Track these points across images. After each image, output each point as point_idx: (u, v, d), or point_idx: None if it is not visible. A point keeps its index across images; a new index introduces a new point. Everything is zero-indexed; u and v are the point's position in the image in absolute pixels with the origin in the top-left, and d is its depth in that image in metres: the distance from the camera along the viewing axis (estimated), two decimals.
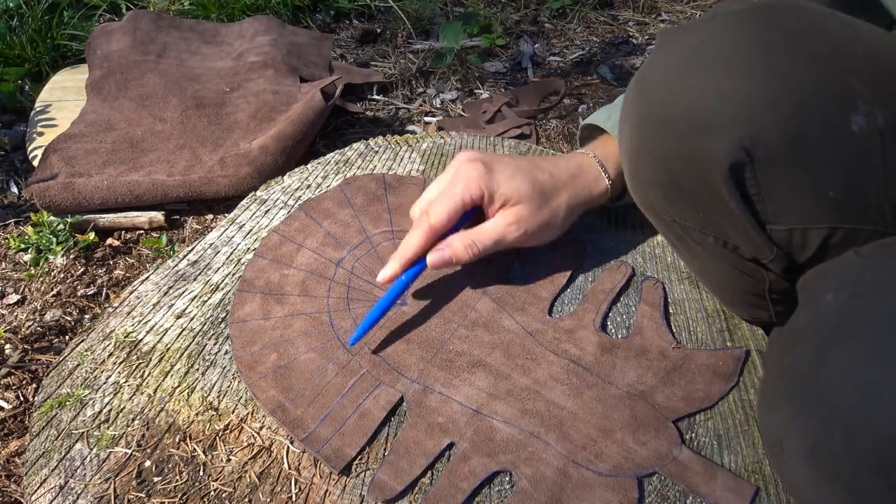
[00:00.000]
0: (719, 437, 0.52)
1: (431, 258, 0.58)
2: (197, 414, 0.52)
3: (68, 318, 0.82)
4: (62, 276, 0.88)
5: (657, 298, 0.62)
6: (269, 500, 0.47)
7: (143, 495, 0.47)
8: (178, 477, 0.48)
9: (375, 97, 1.32)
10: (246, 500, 0.47)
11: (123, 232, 0.96)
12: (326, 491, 0.48)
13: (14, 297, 0.85)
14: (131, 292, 0.63)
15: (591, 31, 1.62)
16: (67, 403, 0.53)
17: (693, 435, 0.52)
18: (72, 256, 0.90)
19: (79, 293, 0.86)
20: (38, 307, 0.83)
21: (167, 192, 0.95)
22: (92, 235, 0.92)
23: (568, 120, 1.27)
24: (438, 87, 1.36)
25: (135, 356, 0.57)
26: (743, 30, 0.46)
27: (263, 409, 0.52)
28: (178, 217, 0.99)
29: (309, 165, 0.80)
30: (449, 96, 1.34)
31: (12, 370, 0.74)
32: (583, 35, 1.60)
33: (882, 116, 0.45)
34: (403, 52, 1.48)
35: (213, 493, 0.48)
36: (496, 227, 0.58)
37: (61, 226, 0.91)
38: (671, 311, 0.62)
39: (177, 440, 0.51)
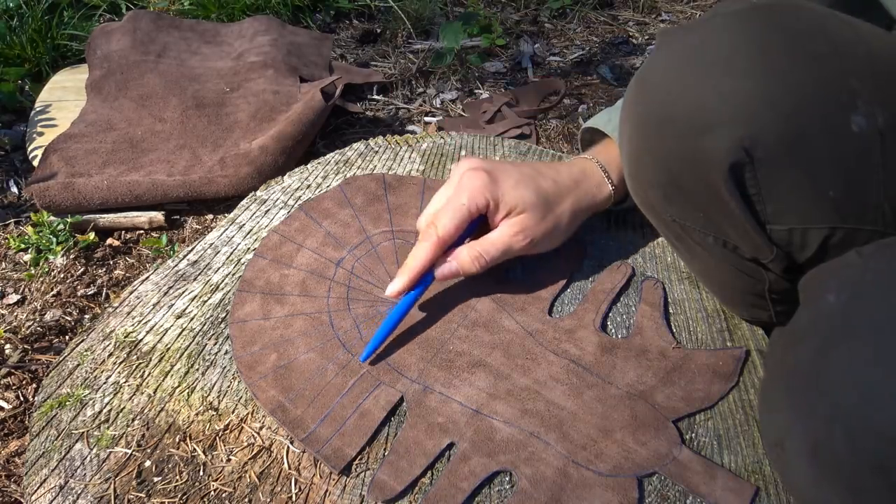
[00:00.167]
0: (719, 437, 0.52)
1: (440, 271, 0.57)
2: (197, 414, 0.52)
3: (68, 318, 0.82)
4: (62, 276, 0.88)
5: (657, 298, 0.62)
6: (269, 500, 0.47)
7: (143, 495, 0.47)
8: (178, 477, 0.48)
9: (375, 97, 1.32)
10: (246, 500, 0.47)
11: (123, 232, 0.96)
12: (326, 491, 0.48)
13: (14, 297, 0.85)
14: (131, 292, 0.63)
15: (591, 31, 1.62)
16: (67, 403, 0.53)
17: (693, 435, 0.52)
18: (72, 256, 0.90)
19: (79, 293, 0.86)
20: (38, 307, 0.83)
21: (167, 192, 0.95)
22: (92, 235, 0.92)
23: (568, 120, 1.27)
24: (438, 87, 1.36)
25: (135, 356, 0.57)
26: (743, 30, 0.46)
27: (263, 409, 0.52)
28: (178, 217, 0.99)
29: (309, 165, 0.80)
30: (449, 96, 1.34)
31: (12, 370, 0.74)
32: (583, 35, 1.60)
33: (882, 116, 0.45)
34: (403, 52, 1.48)
35: (213, 493, 0.48)
36: (502, 238, 0.58)
37: (61, 226, 0.91)
38: (671, 311, 0.62)
39: (177, 440, 0.51)
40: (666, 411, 0.53)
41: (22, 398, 0.72)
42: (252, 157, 0.98)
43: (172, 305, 0.62)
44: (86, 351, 0.58)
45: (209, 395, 0.54)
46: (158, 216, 0.95)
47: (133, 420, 0.52)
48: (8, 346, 0.77)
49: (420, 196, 0.73)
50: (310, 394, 0.53)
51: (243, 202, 0.75)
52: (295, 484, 0.48)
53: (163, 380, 0.55)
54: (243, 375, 0.54)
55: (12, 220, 0.98)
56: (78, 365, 0.56)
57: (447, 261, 0.58)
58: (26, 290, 0.86)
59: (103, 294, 0.86)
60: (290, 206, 0.73)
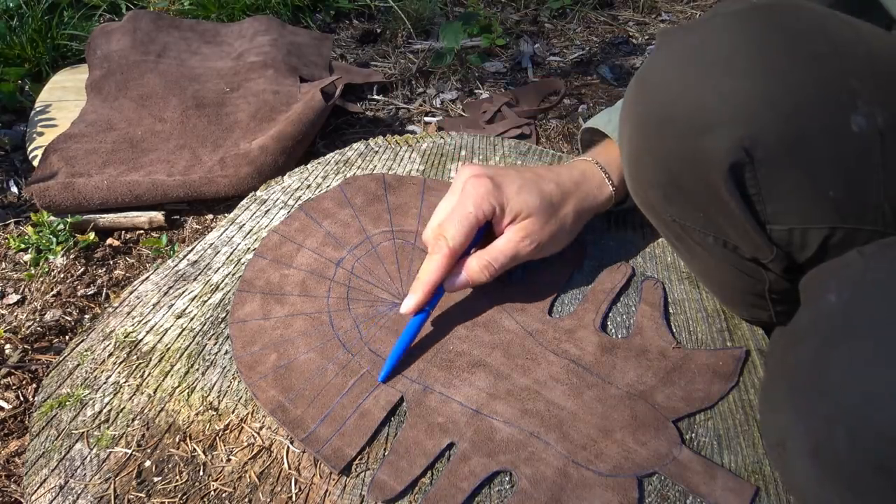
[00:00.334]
0: (719, 437, 0.52)
1: (450, 283, 0.57)
2: (197, 414, 0.52)
3: (68, 318, 0.82)
4: (62, 276, 0.88)
5: (657, 298, 0.62)
6: (269, 500, 0.47)
7: (143, 495, 0.47)
8: (178, 477, 0.48)
9: (375, 97, 1.32)
10: (246, 500, 0.47)
11: (123, 232, 0.96)
12: (326, 491, 0.48)
13: (14, 297, 0.85)
14: (131, 292, 0.63)
15: (591, 31, 1.62)
16: (67, 403, 0.53)
17: (693, 435, 0.52)
18: (72, 256, 0.90)
19: (79, 293, 0.86)
20: (38, 307, 0.83)
21: (167, 192, 0.95)
22: (92, 235, 0.92)
23: (568, 120, 1.27)
24: (438, 87, 1.36)
25: (135, 356, 0.57)
26: (743, 30, 0.46)
27: (263, 409, 0.52)
28: (178, 217, 0.99)
29: (309, 165, 0.80)
30: (449, 96, 1.34)
31: (12, 370, 0.74)
32: (583, 35, 1.60)
33: (882, 116, 0.45)
34: (403, 52, 1.48)
35: (213, 493, 0.48)
36: (509, 244, 0.58)
37: (61, 226, 0.91)
38: (671, 311, 0.62)
39: (177, 440, 0.51)
40: (666, 411, 0.53)
41: (22, 398, 0.72)
42: (252, 157, 0.98)
43: (172, 305, 0.61)
44: (86, 351, 0.58)
45: (209, 395, 0.54)
46: (158, 216, 0.95)
47: (133, 420, 0.52)
48: (8, 346, 0.77)
49: (420, 196, 0.73)
50: (310, 394, 0.53)
51: (243, 202, 0.75)
52: (295, 484, 0.48)
53: (163, 380, 0.55)
54: (243, 375, 0.54)
55: (12, 220, 0.98)
56: (78, 365, 0.56)
57: (456, 272, 0.57)
58: (26, 290, 0.86)
59: (103, 294, 0.86)
60: (290, 206, 0.73)
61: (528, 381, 0.55)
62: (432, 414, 0.52)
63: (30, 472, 0.49)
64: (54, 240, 0.90)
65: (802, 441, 0.39)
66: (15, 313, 0.83)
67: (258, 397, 0.53)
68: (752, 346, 0.59)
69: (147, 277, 0.65)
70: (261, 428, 0.51)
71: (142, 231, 0.96)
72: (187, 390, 0.54)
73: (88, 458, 0.49)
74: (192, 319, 0.60)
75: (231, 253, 0.67)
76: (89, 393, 0.54)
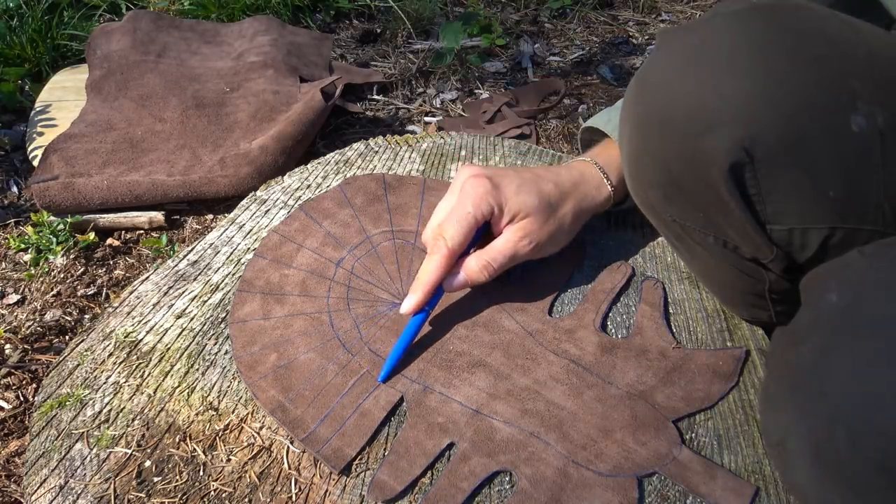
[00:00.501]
0: (719, 437, 0.52)
1: (450, 283, 0.57)
2: (197, 414, 0.52)
3: (68, 318, 0.82)
4: (62, 276, 0.88)
5: (657, 298, 0.62)
6: (269, 500, 0.47)
7: (143, 495, 0.47)
8: (178, 477, 0.48)
9: (375, 97, 1.32)
10: (246, 500, 0.47)
11: (123, 232, 0.96)
12: (326, 491, 0.48)
13: (14, 297, 0.85)
14: (131, 292, 0.63)
15: (591, 31, 1.62)
16: (67, 403, 0.53)
17: (693, 435, 0.52)
18: (72, 256, 0.90)
19: (79, 293, 0.86)
20: (38, 307, 0.83)
21: (167, 192, 0.95)
22: (92, 235, 0.92)
23: (568, 120, 1.27)
24: (438, 87, 1.36)
25: (135, 356, 0.57)
26: (743, 30, 0.46)
27: (263, 409, 0.52)
28: (178, 217, 0.99)
29: (309, 165, 0.80)
30: (449, 96, 1.34)
31: (12, 370, 0.74)
32: (583, 35, 1.60)
33: (882, 116, 0.45)
34: (403, 52, 1.48)
35: (213, 493, 0.47)
36: (508, 244, 0.58)
37: (61, 226, 0.91)
38: (671, 311, 0.62)
39: (177, 440, 0.51)
40: (666, 411, 0.53)
41: (22, 398, 0.72)
42: (252, 157, 0.98)
43: (172, 305, 0.61)
44: (86, 351, 0.58)
45: (209, 395, 0.54)
46: (158, 216, 0.95)
47: (133, 420, 0.52)
48: (8, 346, 0.77)
49: (420, 196, 0.73)
50: (310, 394, 0.53)
51: (243, 202, 0.75)
52: (295, 484, 0.48)
53: (163, 380, 0.55)
54: (243, 375, 0.54)
55: (12, 220, 0.98)
56: (78, 365, 0.56)
57: (455, 272, 0.57)
58: (26, 290, 0.86)
59: (103, 294, 0.86)
60: (290, 206, 0.73)
61: (528, 381, 0.55)
62: (432, 414, 0.52)
63: (30, 472, 0.49)
64: (54, 240, 0.90)
65: (803, 441, 0.39)
66: (15, 313, 0.83)
67: (258, 397, 0.53)
68: (752, 346, 0.59)
69: (147, 277, 0.65)
70: (261, 428, 0.51)
71: (142, 231, 0.96)
72: (187, 390, 0.54)
73: (88, 458, 0.49)
74: (192, 319, 0.60)
75: (231, 253, 0.67)
76: (89, 393, 0.54)
